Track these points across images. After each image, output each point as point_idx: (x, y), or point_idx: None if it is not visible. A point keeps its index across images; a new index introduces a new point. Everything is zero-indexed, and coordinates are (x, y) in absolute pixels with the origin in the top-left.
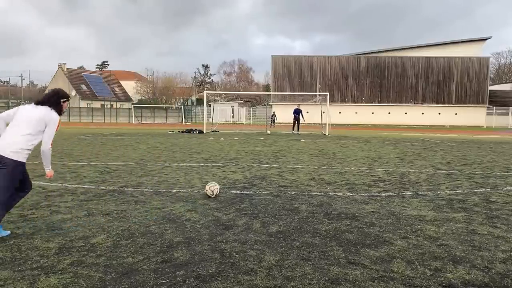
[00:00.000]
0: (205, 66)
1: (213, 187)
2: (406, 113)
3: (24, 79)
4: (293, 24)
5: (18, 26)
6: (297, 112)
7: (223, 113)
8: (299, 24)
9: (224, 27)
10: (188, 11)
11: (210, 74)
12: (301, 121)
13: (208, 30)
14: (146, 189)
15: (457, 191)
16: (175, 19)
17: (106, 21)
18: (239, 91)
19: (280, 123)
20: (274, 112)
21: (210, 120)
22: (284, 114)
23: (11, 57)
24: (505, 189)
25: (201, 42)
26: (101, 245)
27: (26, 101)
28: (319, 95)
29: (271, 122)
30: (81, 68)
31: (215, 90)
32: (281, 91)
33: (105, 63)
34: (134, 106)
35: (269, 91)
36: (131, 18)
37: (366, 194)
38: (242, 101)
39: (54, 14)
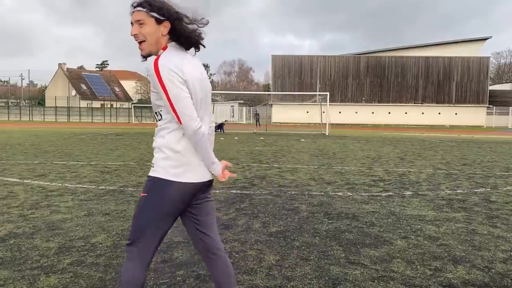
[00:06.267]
0: (205, 66)
1: None
2: (406, 113)
3: (24, 78)
4: (301, 23)
5: (18, 25)
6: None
7: (223, 113)
8: (307, 23)
9: (229, 26)
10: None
11: (210, 74)
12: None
13: (213, 29)
14: None
15: (457, 191)
16: None
17: (110, 20)
18: (239, 91)
19: (280, 123)
20: (257, 111)
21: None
22: (283, 113)
23: (11, 57)
24: (505, 189)
25: (206, 41)
26: (101, 245)
27: (26, 101)
28: (319, 95)
29: (256, 121)
30: (81, 67)
31: (215, 90)
32: (281, 91)
33: (105, 62)
34: (134, 106)
35: (269, 91)
36: None
37: (366, 194)
38: (242, 101)
39: (56, 13)
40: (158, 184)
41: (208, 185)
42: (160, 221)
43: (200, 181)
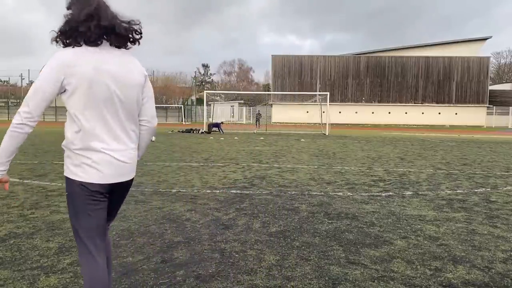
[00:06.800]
0: (205, 66)
1: None
2: (406, 113)
3: (24, 78)
4: (302, 23)
5: (18, 25)
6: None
7: (223, 113)
8: (308, 23)
9: (230, 26)
10: (196, 10)
11: (210, 74)
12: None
13: (213, 29)
14: (146, 189)
15: (457, 191)
16: (181, 18)
17: None
18: (239, 90)
19: (280, 123)
20: (259, 111)
21: (210, 120)
22: (283, 113)
23: (11, 57)
24: (505, 189)
25: (206, 41)
26: None
27: None
28: (319, 94)
29: (256, 121)
30: None
31: (215, 90)
32: (281, 91)
33: None
34: None
35: (269, 91)
36: (139, 17)
37: (366, 194)
38: (242, 101)
39: (56, 13)
40: (67, 182)
41: (125, 185)
42: (80, 216)
43: (104, 182)
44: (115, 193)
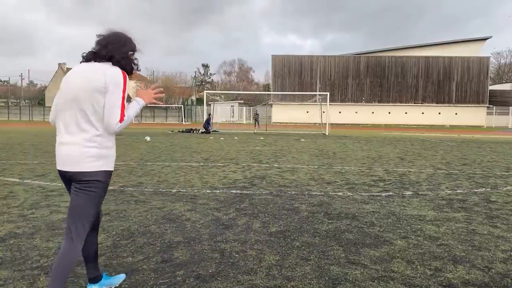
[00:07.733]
0: (205, 66)
1: None
2: (406, 113)
3: (24, 78)
4: (303, 23)
5: (18, 25)
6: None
7: (223, 113)
8: (309, 23)
9: (230, 26)
10: (196, 10)
11: (210, 74)
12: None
13: (213, 29)
14: (146, 189)
15: (457, 191)
16: (181, 18)
17: (111, 20)
18: (239, 90)
19: (280, 123)
20: (257, 111)
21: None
22: (283, 113)
23: (11, 57)
24: (505, 189)
25: (206, 41)
26: (101, 245)
27: (26, 101)
28: (319, 95)
29: (255, 121)
30: None
31: (215, 90)
32: (281, 91)
33: None
34: None
35: (269, 91)
36: (140, 17)
37: (366, 193)
38: (242, 101)
39: (56, 13)
40: None
41: (73, 176)
42: None
43: (59, 169)
44: (71, 183)
